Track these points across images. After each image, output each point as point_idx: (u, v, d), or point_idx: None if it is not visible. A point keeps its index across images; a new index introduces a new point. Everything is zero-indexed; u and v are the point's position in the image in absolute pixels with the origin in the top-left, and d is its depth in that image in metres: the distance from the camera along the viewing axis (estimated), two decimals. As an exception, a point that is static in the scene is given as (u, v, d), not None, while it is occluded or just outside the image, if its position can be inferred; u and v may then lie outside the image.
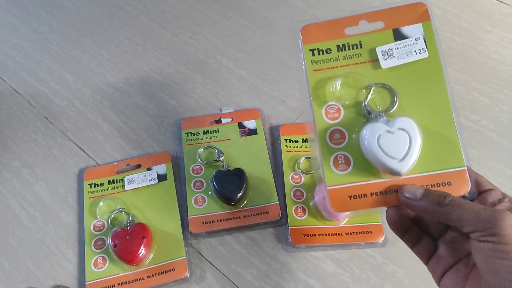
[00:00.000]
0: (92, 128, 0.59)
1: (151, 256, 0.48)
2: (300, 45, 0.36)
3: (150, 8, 0.72)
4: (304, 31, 0.36)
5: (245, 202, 0.51)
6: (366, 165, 0.33)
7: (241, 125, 0.57)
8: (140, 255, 0.47)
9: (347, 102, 0.35)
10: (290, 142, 0.55)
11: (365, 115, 0.34)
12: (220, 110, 0.60)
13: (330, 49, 0.35)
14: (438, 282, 0.31)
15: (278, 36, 0.68)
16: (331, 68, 0.35)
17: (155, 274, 0.47)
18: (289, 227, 0.49)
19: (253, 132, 0.57)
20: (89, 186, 0.53)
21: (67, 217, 0.52)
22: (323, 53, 0.35)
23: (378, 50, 0.34)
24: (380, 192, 0.33)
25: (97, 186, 0.53)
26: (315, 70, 0.35)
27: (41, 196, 0.54)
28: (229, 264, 0.49)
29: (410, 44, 0.34)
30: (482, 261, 0.26)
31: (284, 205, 0.51)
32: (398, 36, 0.35)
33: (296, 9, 0.71)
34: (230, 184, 0.50)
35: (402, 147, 0.32)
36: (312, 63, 0.35)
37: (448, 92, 0.33)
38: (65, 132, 0.59)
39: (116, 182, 0.53)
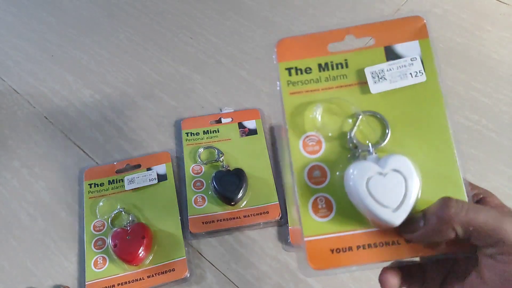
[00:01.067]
0: (92, 128, 0.59)
1: (151, 256, 0.48)
2: (274, 63, 0.31)
3: (150, 8, 0.72)
4: (280, 47, 0.31)
5: (245, 202, 0.51)
6: (352, 210, 0.27)
7: (241, 125, 0.57)
8: (140, 255, 0.47)
9: (330, 134, 0.29)
10: (290, 142, 0.55)
11: (351, 149, 0.29)
12: (220, 110, 0.60)
13: (310, 69, 0.30)
14: None
15: (278, 36, 0.67)
16: (311, 91, 0.29)
17: (155, 274, 0.47)
18: (289, 227, 0.49)
19: (253, 132, 0.57)
20: (89, 186, 0.53)
21: (67, 217, 0.52)
22: (301, 73, 0.30)
23: (367, 71, 0.29)
24: (368, 244, 0.27)
25: (97, 186, 0.53)
26: (292, 93, 0.30)
27: (41, 196, 0.54)
28: (229, 264, 0.49)
29: (405, 65, 0.29)
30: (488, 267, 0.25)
31: (284, 205, 0.51)
32: (391, 55, 0.29)
33: (296, 9, 0.71)
34: (230, 184, 0.50)
35: (396, 193, 0.26)
36: (288, 84, 0.30)
37: (449, 123, 0.28)
38: (65, 132, 0.59)
39: (116, 182, 0.53)
